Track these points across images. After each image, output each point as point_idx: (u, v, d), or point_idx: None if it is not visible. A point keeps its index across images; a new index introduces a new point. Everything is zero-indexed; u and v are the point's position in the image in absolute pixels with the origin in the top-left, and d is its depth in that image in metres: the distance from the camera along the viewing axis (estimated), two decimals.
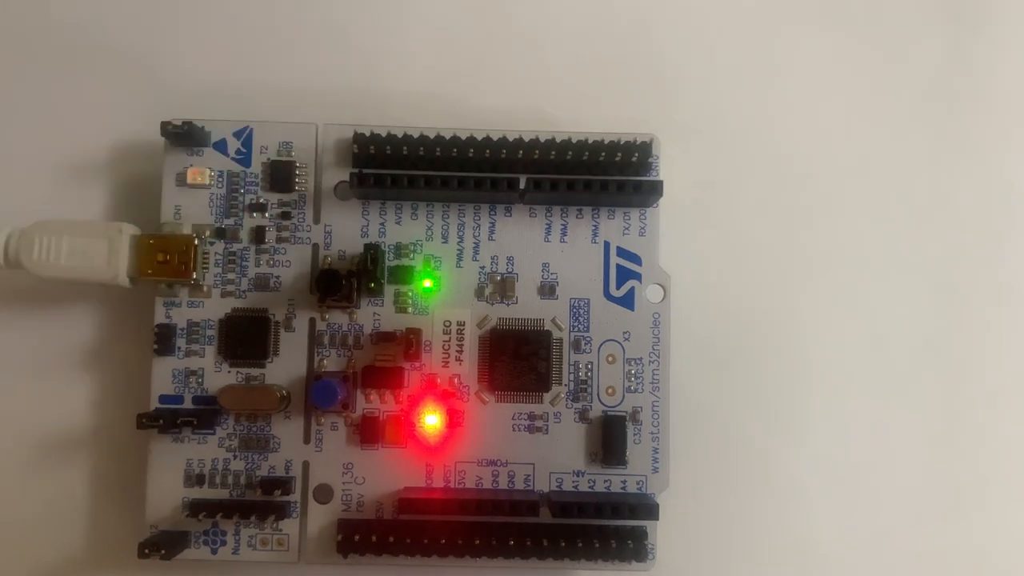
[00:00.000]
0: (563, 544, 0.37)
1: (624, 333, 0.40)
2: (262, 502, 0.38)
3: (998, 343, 0.43)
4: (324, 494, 0.39)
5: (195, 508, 0.38)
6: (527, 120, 0.41)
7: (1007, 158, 0.43)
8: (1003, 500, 0.42)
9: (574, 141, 0.38)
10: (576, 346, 0.40)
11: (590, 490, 0.39)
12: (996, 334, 0.43)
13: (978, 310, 0.43)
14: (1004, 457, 0.42)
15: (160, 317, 0.39)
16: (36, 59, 0.42)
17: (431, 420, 0.39)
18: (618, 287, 0.40)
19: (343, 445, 0.39)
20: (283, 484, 0.38)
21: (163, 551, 0.37)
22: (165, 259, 0.38)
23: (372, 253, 0.38)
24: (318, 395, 0.37)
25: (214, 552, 0.39)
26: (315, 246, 0.39)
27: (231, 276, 0.39)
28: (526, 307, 0.40)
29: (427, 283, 0.39)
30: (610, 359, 0.40)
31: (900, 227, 0.43)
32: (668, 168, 0.40)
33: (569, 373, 0.39)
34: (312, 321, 0.39)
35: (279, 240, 0.39)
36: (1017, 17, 0.44)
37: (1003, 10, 0.44)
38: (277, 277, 0.39)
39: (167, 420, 0.37)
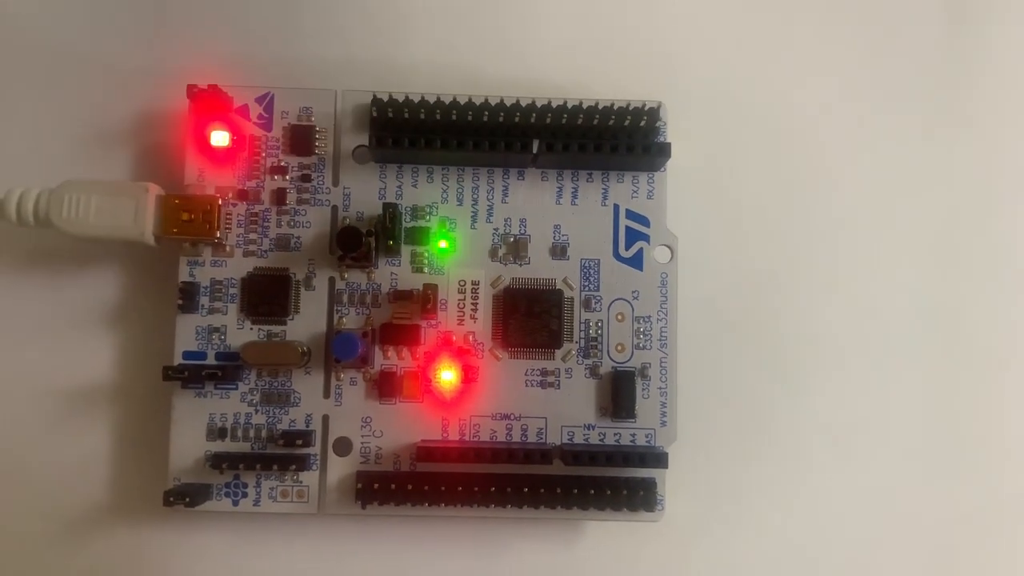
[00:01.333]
0: (575, 492, 0.38)
1: (633, 292, 0.41)
2: (283, 455, 0.39)
3: (993, 308, 0.44)
4: (343, 447, 0.40)
5: (217, 461, 0.39)
6: (539, 89, 0.42)
7: (1003, 129, 0.45)
8: (1000, 459, 0.43)
9: (584, 107, 0.39)
10: (587, 305, 0.41)
11: (601, 442, 0.40)
12: (991, 299, 0.44)
13: (974, 275, 0.44)
14: (1000, 417, 0.43)
15: (184, 275, 0.40)
16: (63, 26, 0.43)
17: (447, 376, 0.40)
18: (627, 248, 0.41)
19: (362, 400, 0.40)
20: (303, 437, 0.39)
21: (187, 499, 0.38)
22: (189, 218, 0.39)
23: (390, 212, 0.39)
24: (340, 347, 0.38)
25: (235, 504, 0.40)
26: (334, 208, 0.41)
27: (253, 236, 0.40)
28: (538, 267, 0.41)
29: (443, 244, 0.41)
30: (619, 317, 0.41)
31: (899, 193, 0.44)
32: (674, 136, 0.41)
33: (580, 331, 0.41)
34: (332, 280, 0.40)
35: (299, 202, 0.41)
36: None
37: None
38: (297, 237, 0.41)
39: (192, 373, 0.39)
